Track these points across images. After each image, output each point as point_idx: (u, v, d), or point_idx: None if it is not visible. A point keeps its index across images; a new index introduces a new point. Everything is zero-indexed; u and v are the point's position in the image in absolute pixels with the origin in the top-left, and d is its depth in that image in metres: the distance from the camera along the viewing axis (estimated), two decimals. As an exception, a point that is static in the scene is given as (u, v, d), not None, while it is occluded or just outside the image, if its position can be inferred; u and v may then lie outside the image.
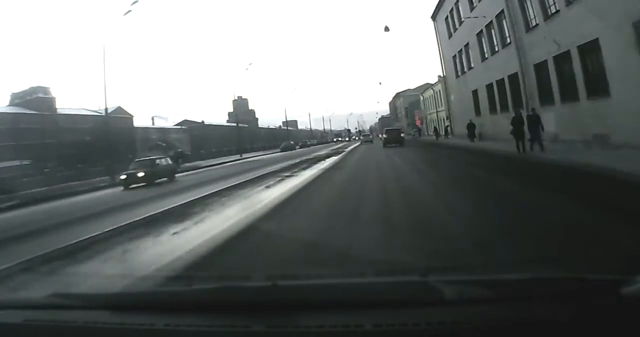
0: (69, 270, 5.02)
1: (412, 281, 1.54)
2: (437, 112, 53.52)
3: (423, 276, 1.48)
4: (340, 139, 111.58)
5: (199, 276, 4.05)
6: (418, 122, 67.75)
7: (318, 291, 1.52)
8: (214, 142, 70.38)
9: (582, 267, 2.91)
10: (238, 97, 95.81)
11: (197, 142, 70.57)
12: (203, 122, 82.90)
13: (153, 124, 76.68)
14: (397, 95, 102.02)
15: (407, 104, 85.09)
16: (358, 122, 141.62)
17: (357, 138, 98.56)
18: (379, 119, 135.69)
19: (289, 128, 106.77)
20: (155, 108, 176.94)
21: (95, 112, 56.66)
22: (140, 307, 1.57)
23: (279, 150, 61.21)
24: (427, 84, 66.71)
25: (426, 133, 60.87)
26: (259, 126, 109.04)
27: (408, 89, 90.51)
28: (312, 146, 75.23)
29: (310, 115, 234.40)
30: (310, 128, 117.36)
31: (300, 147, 69.56)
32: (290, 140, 75.42)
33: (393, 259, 4.02)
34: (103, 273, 4.81)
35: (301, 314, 1.35)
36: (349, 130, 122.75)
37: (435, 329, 1.20)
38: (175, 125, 79.71)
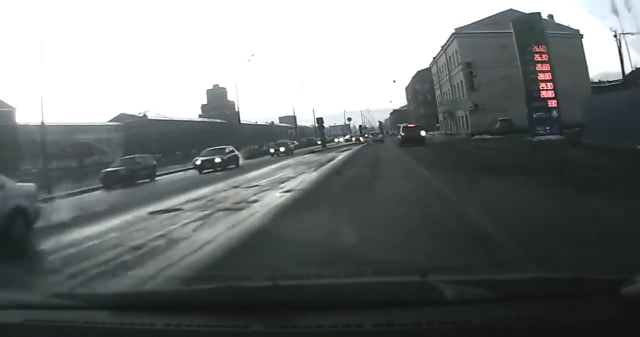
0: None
1: (412, 281, 1.54)
2: None
3: (423, 276, 1.48)
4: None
5: (199, 276, 4.05)
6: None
7: (318, 291, 1.54)
8: (164, 144, 49.07)
9: (582, 267, 2.91)
10: (214, 85, 73.37)
11: (137, 144, 45.88)
12: (145, 116, 57.96)
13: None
14: (419, 73, 70.66)
15: (474, 51, 39.05)
16: (362, 115, 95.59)
17: (354, 139, 64.49)
18: (391, 114, 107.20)
19: (285, 125, 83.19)
20: (144, 105, 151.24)
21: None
22: (140, 307, 1.57)
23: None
24: (513, 8, 34.39)
25: None
26: (242, 122, 73.53)
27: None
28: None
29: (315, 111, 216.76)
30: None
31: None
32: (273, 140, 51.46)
33: None
34: (103, 273, 4.75)
35: (301, 314, 1.36)
36: (320, 121, 56.23)
37: (435, 329, 1.21)
38: (110, 120, 56.11)
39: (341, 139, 71.87)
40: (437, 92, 58.61)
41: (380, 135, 57.56)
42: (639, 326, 1.12)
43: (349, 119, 77.15)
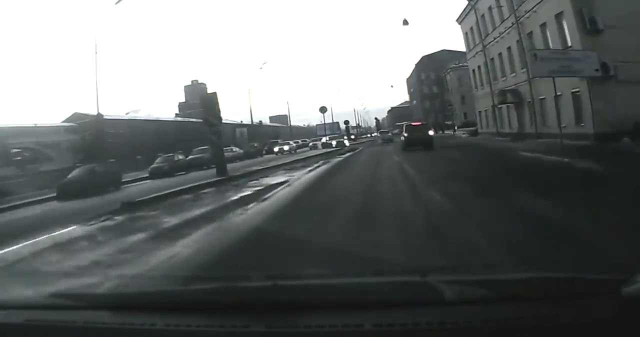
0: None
1: (412, 281, 1.55)
2: None
3: (423, 276, 1.49)
4: None
5: (199, 276, 4.02)
6: None
7: (318, 291, 1.53)
8: (125, 147, 40.65)
9: (582, 267, 2.94)
10: (193, 81, 65.98)
11: (93, 148, 38.61)
12: (100, 115, 44.15)
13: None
14: (424, 59, 60.01)
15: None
16: (355, 112, 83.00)
17: (335, 143, 44.95)
18: (389, 111, 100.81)
19: (276, 125, 70.89)
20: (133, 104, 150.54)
21: None
22: (140, 307, 1.57)
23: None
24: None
25: None
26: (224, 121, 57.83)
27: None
28: None
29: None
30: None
31: None
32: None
33: None
34: (104, 273, 4.74)
35: (301, 314, 1.36)
36: (210, 101, 18.99)
37: (435, 329, 1.21)
38: (64, 121, 46.95)
39: (286, 147, 43.64)
40: (474, 64, 35.02)
41: (390, 134, 48.45)
42: (639, 326, 1.12)
43: (323, 110, 50.64)
